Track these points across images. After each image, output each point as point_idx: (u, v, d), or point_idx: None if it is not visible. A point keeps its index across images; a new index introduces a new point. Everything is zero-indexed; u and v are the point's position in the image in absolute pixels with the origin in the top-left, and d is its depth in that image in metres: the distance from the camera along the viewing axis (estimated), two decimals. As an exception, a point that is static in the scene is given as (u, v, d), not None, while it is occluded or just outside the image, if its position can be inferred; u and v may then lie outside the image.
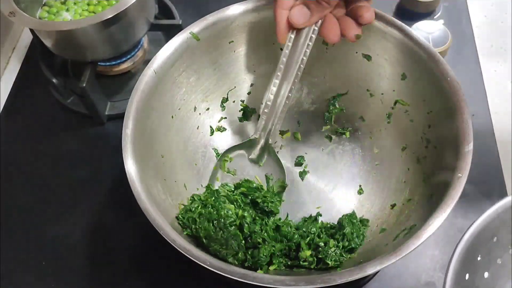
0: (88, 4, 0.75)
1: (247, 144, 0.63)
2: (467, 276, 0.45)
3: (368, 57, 0.61)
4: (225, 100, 0.68)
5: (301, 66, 0.56)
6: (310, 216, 0.62)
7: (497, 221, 0.46)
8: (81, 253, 0.65)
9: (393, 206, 0.59)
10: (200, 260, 0.47)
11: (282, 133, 0.69)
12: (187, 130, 0.64)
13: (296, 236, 0.56)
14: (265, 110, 0.59)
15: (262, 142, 0.61)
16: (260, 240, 0.54)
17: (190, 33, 0.61)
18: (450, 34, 0.74)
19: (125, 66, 0.78)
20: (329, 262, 0.54)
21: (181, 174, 0.61)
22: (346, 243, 0.57)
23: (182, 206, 0.57)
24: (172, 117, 0.62)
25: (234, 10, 0.62)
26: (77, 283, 0.62)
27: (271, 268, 0.55)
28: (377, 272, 0.49)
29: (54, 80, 0.74)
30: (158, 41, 0.82)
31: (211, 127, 0.67)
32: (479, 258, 0.47)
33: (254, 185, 0.61)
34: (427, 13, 0.84)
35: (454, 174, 0.48)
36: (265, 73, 0.68)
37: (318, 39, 0.55)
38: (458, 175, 0.48)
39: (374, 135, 0.66)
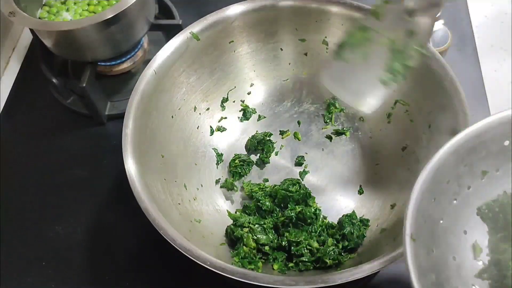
0: (88, 4, 0.75)
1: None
2: (433, 199, 0.44)
3: (368, 57, 0.61)
4: (225, 100, 0.68)
5: None
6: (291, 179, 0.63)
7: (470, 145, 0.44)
8: (81, 253, 0.64)
9: (393, 206, 0.59)
10: (200, 260, 0.47)
11: (282, 133, 0.69)
12: (187, 130, 0.64)
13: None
14: None
15: None
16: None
17: (190, 33, 0.61)
18: (450, 34, 0.74)
19: (125, 66, 0.78)
20: (328, 261, 0.54)
21: (181, 174, 0.61)
22: (346, 243, 0.57)
23: None
24: (172, 117, 0.62)
25: (234, 10, 0.62)
26: (77, 283, 0.62)
27: (275, 267, 0.55)
28: (377, 272, 0.49)
29: (54, 80, 0.74)
30: (158, 41, 0.81)
31: (211, 127, 0.67)
32: (447, 183, 0.45)
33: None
34: (427, 13, 0.84)
35: (454, 174, 0.48)
36: (265, 73, 0.68)
37: (318, 39, 0.55)
38: (458, 175, 0.48)
39: (374, 135, 0.66)
